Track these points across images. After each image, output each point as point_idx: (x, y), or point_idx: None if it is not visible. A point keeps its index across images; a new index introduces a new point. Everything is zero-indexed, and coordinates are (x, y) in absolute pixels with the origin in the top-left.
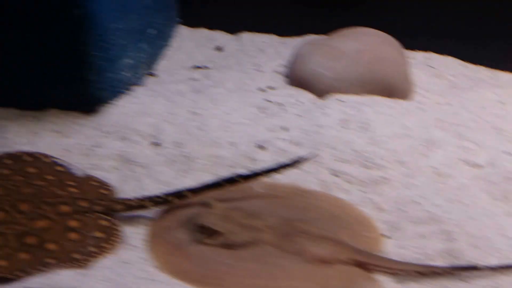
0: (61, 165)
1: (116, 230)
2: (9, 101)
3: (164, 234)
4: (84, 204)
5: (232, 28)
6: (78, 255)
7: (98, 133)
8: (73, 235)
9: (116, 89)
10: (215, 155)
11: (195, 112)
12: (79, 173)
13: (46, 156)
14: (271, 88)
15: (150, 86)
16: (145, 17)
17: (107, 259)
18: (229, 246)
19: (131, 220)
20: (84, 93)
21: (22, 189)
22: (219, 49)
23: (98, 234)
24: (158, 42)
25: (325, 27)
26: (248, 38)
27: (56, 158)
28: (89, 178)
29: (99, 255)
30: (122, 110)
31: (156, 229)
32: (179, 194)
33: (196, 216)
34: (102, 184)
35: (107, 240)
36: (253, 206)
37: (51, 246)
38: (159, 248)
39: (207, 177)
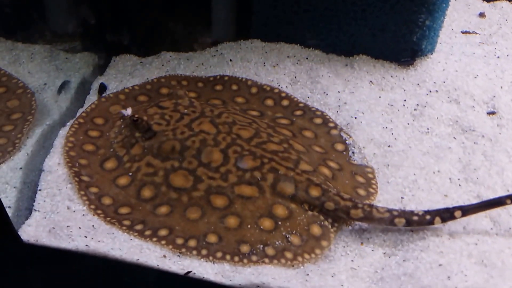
0: (343, 141)
1: (323, 245)
2: (315, 42)
3: None
4: (315, 193)
5: None
6: (247, 249)
7: (423, 90)
8: (266, 224)
9: (435, 41)
10: None
11: None
12: (357, 159)
13: (334, 125)
14: None
15: (442, 44)
16: None
17: None
18: None
19: None
20: (409, 40)
21: (274, 138)
22: (482, 15)
23: (294, 240)
24: None
25: None
26: (509, 7)
27: (344, 132)
28: (361, 170)
29: (276, 263)
30: (443, 67)
31: None
32: (448, 213)
33: None
34: (369, 183)
35: (300, 253)
36: None
37: (231, 221)
38: None
39: None
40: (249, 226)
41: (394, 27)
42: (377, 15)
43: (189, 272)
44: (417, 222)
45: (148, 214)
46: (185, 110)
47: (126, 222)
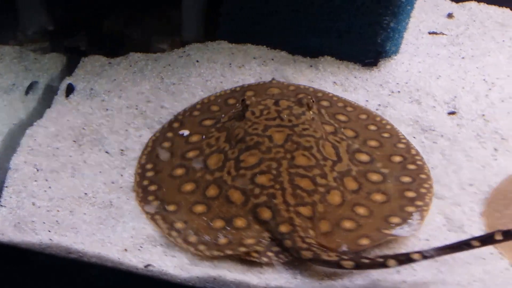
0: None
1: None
2: (282, 43)
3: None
4: (283, 229)
5: None
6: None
7: (385, 91)
8: (218, 224)
9: (400, 43)
10: None
11: (489, 81)
12: (404, 231)
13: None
14: None
15: (407, 45)
16: None
17: None
18: None
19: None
20: (373, 42)
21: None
22: (450, 16)
23: (222, 241)
24: None
25: None
26: (478, 8)
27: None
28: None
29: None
30: (406, 68)
31: (495, 219)
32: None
33: None
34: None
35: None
36: None
37: (199, 208)
38: (509, 242)
39: None
40: (205, 218)
41: (359, 29)
42: (343, 17)
43: (148, 265)
44: (368, 265)
45: (168, 171)
46: (285, 115)
47: (150, 174)
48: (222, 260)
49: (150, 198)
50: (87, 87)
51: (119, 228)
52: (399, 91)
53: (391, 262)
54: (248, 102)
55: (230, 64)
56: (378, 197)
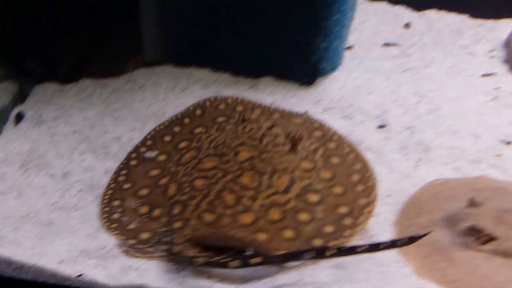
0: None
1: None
2: (225, 66)
3: None
4: (177, 225)
5: (413, 4)
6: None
7: (319, 108)
8: (143, 210)
9: (337, 61)
10: (455, 146)
11: (420, 94)
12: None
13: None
14: (493, 74)
15: (352, 60)
16: None
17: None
18: (505, 254)
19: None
20: (308, 62)
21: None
22: (408, 26)
23: (129, 226)
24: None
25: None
26: (436, 16)
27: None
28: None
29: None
30: (341, 85)
31: (405, 227)
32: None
33: (460, 215)
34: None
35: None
36: None
37: (143, 209)
38: (414, 250)
39: (447, 171)
40: (139, 201)
41: (294, 50)
42: (280, 39)
43: (80, 275)
44: (213, 263)
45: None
46: (265, 140)
47: (143, 149)
48: (150, 270)
49: (123, 172)
50: (36, 115)
51: (57, 243)
52: (332, 108)
53: (233, 263)
54: (246, 117)
55: (174, 88)
56: (289, 234)
